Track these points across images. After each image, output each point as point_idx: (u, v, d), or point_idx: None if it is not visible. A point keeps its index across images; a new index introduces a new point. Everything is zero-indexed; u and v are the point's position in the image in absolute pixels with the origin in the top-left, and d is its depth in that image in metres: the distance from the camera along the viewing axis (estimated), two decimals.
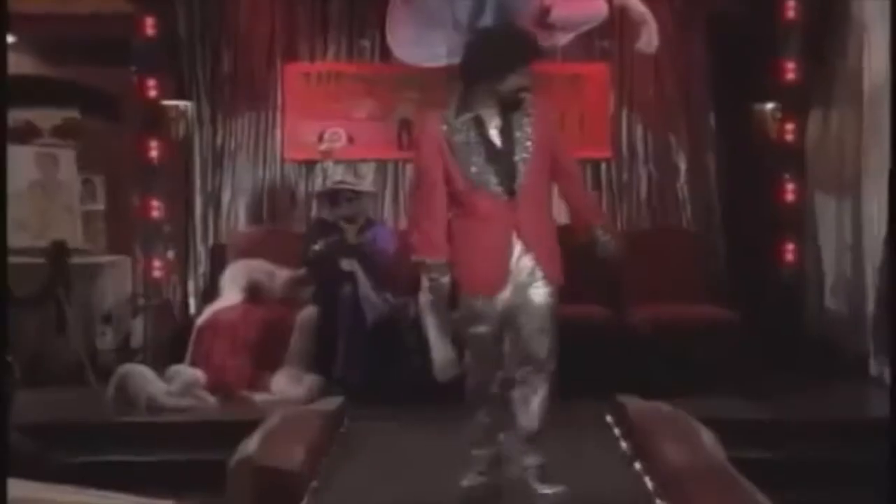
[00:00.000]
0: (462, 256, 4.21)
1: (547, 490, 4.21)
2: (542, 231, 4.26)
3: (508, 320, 4.22)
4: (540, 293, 4.20)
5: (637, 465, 4.71)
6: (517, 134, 4.21)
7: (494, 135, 4.21)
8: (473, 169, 4.18)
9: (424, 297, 6.45)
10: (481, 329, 4.21)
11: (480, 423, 4.27)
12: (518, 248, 4.19)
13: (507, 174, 4.18)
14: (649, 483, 4.47)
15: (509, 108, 4.23)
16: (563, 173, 4.33)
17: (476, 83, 4.23)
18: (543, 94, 4.36)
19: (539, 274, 4.20)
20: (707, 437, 4.64)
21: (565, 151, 4.43)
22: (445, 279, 4.19)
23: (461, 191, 4.20)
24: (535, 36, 4.45)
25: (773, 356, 6.55)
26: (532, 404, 4.22)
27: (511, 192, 4.17)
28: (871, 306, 6.58)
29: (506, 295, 4.18)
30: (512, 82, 4.20)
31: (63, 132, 7.56)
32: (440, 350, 6.29)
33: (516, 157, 4.19)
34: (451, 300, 4.23)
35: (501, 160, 4.19)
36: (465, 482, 4.28)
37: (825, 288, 7.17)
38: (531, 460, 4.26)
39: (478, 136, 4.20)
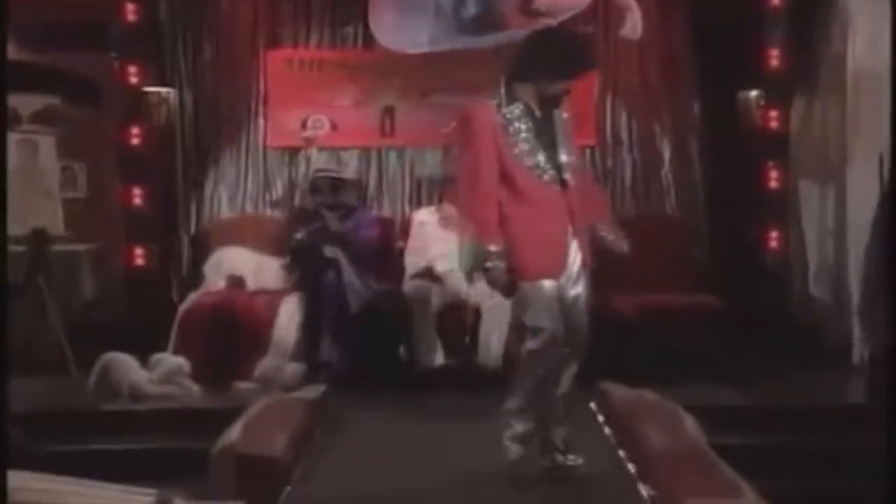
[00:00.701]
0: (520, 244, 4.21)
1: (571, 460, 4.36)
2: (584, 221, 4.36)
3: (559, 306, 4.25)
4: (584, 280, 4.32)
5: (620, 452, 4.72)
6: (557, 126, 4.32)
7: (543, 126, 4.29)
8: (531, 159, 4.25)
9: (410, 286, 6.48)
10: (546, 321, 4.19)
11: (529, 415, 4.32)
12: (571, 235, 4.28)
13: (558, 165, 4.26)
14: (632, 469, 4.48)
15: (549, 105, 4.32)
16: None
17: (525, 83, 4.29)
18: None
19: (582, 262, 4.31)
20: (690, 424, 4.65)
21: None
22: (503, 264, 4.19)
23: (519, 179, 4.23)
24: (590, 44, 4.50)
25: (757, 343, 6.55)
26: (563, 382, 4.33)
27: (563, 183, 4.26)
28: (854, 293, 6.58)
29: (559, 281, 4.24)
30: (560, 86, 4.31)
31: (43, 118, 7.47)
32: (426, 339, 6.32)
33: (561, 148, 4.29)
34: (509, 287, 4.23)
35: (551, 151, 4.27)
36: (511, 454, 4.33)
37: (809, 275, 7.18)
38: (558, 432, 4.37)
39: (529, 127, 4.27)
